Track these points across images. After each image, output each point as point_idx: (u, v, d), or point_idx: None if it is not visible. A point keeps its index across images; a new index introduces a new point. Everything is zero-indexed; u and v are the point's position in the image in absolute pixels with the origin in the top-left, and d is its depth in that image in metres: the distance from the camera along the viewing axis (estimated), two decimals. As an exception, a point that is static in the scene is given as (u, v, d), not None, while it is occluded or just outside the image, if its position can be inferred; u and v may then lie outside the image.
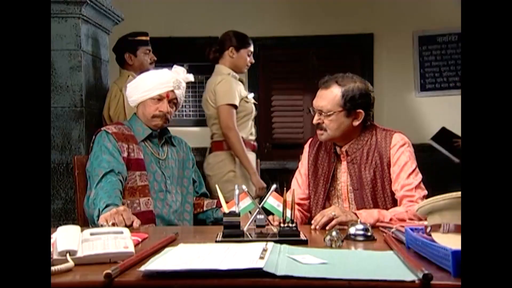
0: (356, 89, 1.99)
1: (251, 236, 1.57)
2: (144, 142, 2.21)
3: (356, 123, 2.01)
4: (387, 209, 1.94)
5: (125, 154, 2.12)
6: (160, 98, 2.20)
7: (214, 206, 2.30)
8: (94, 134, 2.19)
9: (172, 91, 2.21)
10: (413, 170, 1.97)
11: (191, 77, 2.29)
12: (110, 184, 1.99)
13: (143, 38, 3.25)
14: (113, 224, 1.72)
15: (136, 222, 1.81)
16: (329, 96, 2.00)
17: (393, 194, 1.99)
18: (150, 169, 2.17)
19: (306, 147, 2.22)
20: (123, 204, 1.99)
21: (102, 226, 1.71)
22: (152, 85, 2.19)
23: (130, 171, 2.11)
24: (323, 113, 2.01)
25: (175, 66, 2.27)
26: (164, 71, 2.24)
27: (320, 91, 2.04)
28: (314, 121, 2.04)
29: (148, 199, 2.11)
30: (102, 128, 2.19)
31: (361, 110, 2.00)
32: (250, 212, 1.74)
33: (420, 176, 1.99)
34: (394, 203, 1.99)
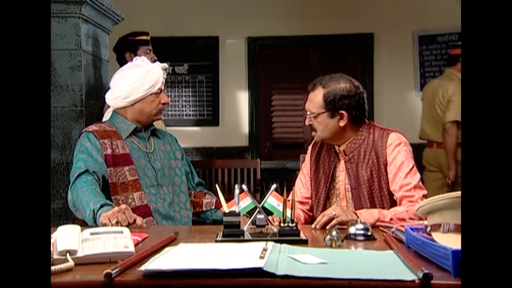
0: (338, 90, 1.99)
1: (251, 236, 1.57)
2: (130, 137, 2.20)
3: (342, 123, 2.01)
4: (384, 208, 1.94)
5: (109, 151, 2.10)
6: (160, 92, 2.21)
7: (213, 207, 2.29)
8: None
9: (163, 82, 2.24)
10: (410, 170, 1.96)
11: (167, 65, 2.32)
12: (86, 184, 1.97)
13: (144, 37, 3.25)
14: (117, 223, 1.73)
15: (139, 219, 1.83)
16: (314, 99, 2.03)
17: (390, 193, 1.99)
18: (139, 164, 2.16)
19: (310, 147, 2.24)
20: (119, 202, 1.99)
21: (105, 225, 1.72)
22: (154, 80, 2.17)
23: (119, 167, 2.10)
24: (310, 115, 2.04)
25: (148, 60, 2.27)
26: (153, 64, 2.23)
27: (309, 94, 2.07)
28: (306, 123, 2.08)
29: (141, 193, 2.10)
30: (83, 130, 2.19)
31: (343, 112, 2.00)
32: (248, 214, 1.74)
33: (418, 175, 1.98)
34: (391, 202, 1.98)
